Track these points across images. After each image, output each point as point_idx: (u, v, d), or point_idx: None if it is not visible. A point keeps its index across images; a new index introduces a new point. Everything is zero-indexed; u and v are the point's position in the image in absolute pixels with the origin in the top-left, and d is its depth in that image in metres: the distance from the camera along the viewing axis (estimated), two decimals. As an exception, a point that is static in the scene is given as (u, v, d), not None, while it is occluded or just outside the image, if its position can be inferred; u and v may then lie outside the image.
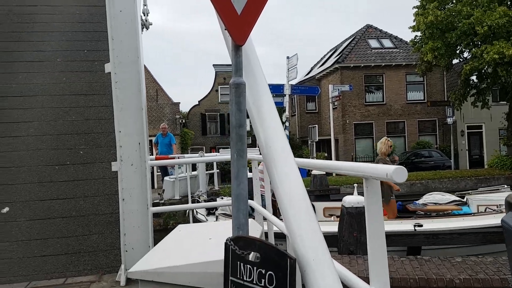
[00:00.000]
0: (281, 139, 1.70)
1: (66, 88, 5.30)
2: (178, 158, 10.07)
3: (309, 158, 19.42)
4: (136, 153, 3.44)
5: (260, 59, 1.95)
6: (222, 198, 9.67)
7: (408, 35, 45.74)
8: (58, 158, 4.61)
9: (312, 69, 33.16)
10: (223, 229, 2.79)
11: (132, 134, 3.44)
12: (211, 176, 12.56)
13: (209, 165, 12.58)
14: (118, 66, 3.39)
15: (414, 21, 19.45)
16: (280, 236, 3.66)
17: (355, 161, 22.92)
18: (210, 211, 8.42)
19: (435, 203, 8.28)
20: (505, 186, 10.26)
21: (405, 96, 24.96)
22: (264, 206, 3.60)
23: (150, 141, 11.01)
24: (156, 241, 3.25)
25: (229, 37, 1.67)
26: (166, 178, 10.57)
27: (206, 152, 20.08)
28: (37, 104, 5.07)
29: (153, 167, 12.65)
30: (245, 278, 1.45)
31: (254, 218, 3.54)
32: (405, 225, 6.59)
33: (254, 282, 1.40)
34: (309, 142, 23.69)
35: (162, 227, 8.98)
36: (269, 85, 2.20)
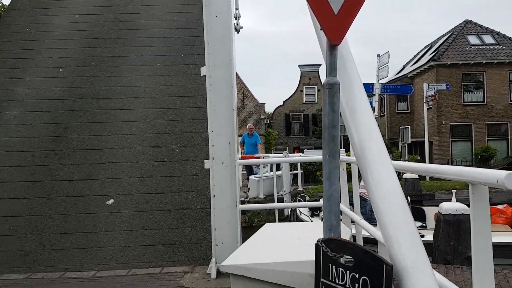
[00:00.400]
0: (376, 140, 1.64)
1: (165, 90, 5.71)
2: (263, 158, 10.25)
3: (399, 161, 18.38)
4: (226, 152, 3.59)
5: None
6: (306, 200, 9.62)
7: (513, 29, 41.04)
8: (157, 155, 4.99)
9: (404, 67, 31.42)
10: (310, 230, 2.78)
11: (223, 134, 3.59)
12: (294, 176, 12.57)
13: (292, 166, 12.60)
14: (212, 69, 3.56)
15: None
16: (368, 241, 3.55)
17: (451, 165, 21.17)
18: (314, 212, 8.40)
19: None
20: None
21: (509, 96, 22.97)
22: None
23: (237, 140, 11.34)
24: (242, 237, 3.36)
25: (324, 37, 1.65)
26: (251, 177, 10.81)
27: (289, 152, 20.15)
28: (139, 105, 5.53)
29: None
30: (337, 281, 1.42)
31: (341, 220, 3.46)
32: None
33: (347, 286, 1.38)
34: (400, 144, 22.39)
35: (247, 224, 9.19)
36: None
